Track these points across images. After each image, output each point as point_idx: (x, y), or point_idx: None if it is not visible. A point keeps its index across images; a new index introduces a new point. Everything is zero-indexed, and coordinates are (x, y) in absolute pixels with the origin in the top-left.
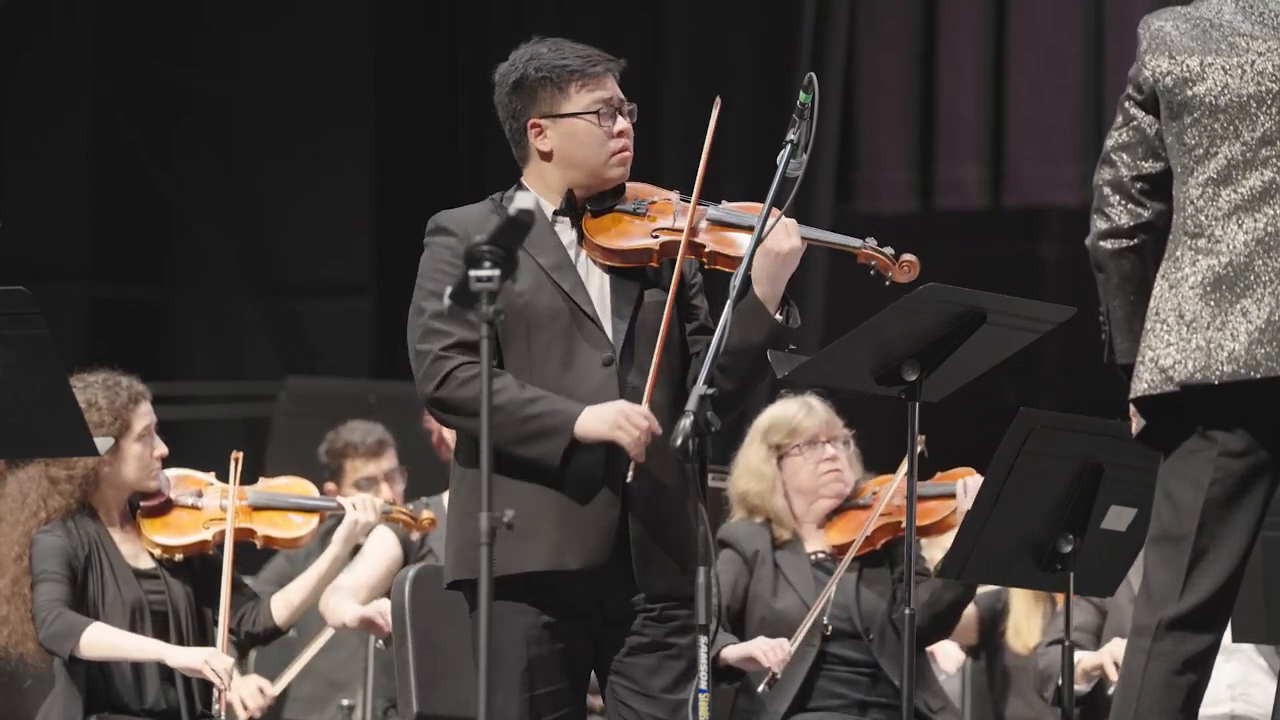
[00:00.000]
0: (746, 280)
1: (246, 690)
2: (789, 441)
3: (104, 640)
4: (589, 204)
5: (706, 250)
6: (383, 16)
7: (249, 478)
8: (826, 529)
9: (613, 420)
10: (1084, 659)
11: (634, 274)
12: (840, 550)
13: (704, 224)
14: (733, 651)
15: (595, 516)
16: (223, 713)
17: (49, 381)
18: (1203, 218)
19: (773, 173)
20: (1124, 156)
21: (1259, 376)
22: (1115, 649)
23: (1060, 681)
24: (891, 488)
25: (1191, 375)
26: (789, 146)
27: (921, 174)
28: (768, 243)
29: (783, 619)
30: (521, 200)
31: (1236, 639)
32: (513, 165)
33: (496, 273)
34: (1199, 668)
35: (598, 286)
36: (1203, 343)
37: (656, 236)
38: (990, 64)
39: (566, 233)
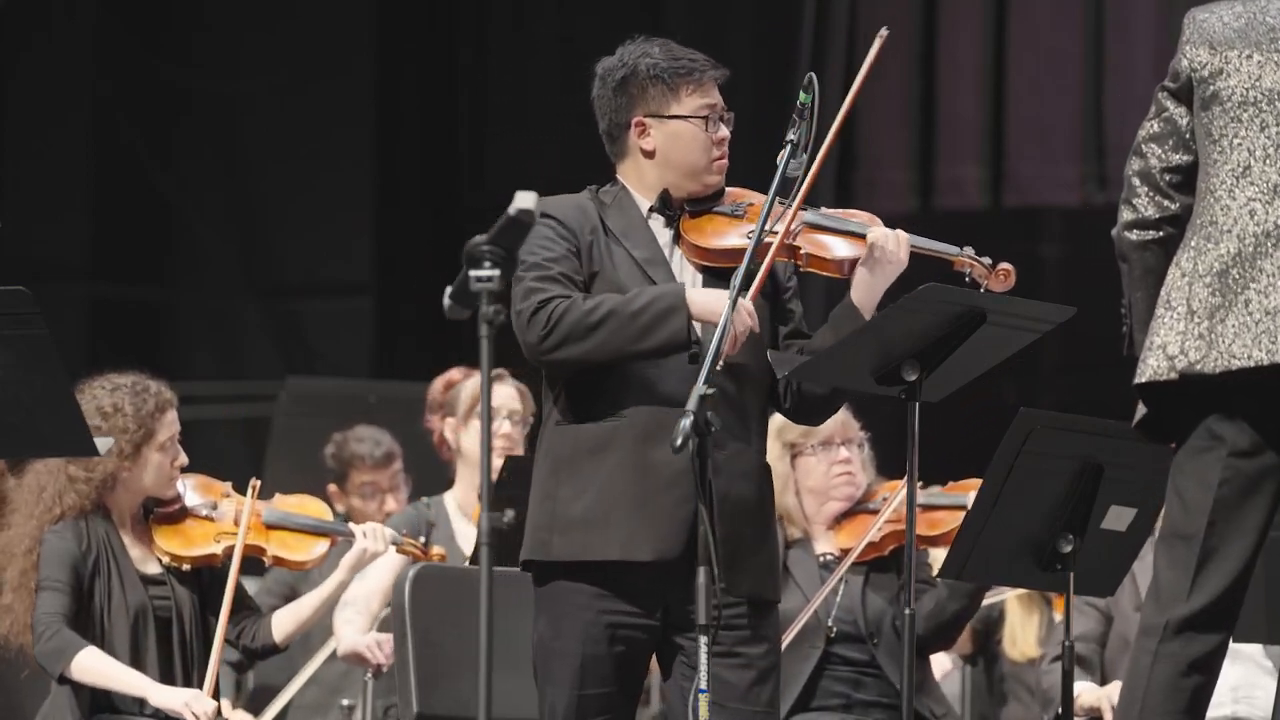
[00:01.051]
0: (748, 279)
1: None
2: (803, 441)
3: (94, 667)
4: (687, 205)
5: (801, 252)
6: (383, 16)
7: (252, 477)
8: (836, 531)
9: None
10: (1084, 694)
11: (727, 275)
12: (848, 554)
13: (799, 226)
14: None
15: (670, 510)
16: None
17: (49, 381)
18: (1219, 209)
19: (772, 172)
20: (1154, 147)
21: (1253, 366)
22: (1113, 691)
23: (1060, 710)
24: (901, 493)
25: (1191, 365)
26: (789, 146)
27: (921, 174)
28: (876, 252)
29: (785, 619)
30: (521, 200)
31: (1237, 639)
32: (513, 165)
33: (497, 273)
34: (1206, 669)
35: (689, 285)
36: (1205, 332)
37: (751, 237)
38: (990, 64)
39: (661, 231)
